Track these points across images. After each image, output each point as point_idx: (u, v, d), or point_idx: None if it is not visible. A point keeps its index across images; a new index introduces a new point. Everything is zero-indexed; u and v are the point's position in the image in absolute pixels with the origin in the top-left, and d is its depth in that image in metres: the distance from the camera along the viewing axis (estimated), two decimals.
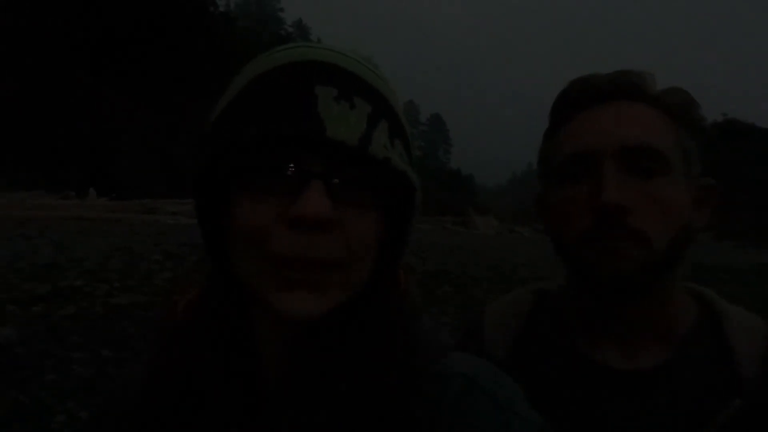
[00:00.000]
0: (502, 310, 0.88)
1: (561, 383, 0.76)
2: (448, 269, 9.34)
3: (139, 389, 0.59)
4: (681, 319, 0.76)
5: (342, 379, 0.52)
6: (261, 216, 0.48)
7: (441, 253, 11.51)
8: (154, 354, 0.61)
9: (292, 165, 0.48)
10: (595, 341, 0.77)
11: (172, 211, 15.21)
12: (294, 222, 0.46)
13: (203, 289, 0.60)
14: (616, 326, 0.76)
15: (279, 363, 0.57)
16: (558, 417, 0.55)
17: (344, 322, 0.55)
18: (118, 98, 24.09)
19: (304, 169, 0.48)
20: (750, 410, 0.67)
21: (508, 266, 10.55)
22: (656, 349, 0.75)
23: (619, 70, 0.76)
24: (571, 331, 0.80)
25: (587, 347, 0.78)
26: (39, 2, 23.07)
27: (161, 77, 26.09)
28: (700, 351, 0.73)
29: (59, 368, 3.58)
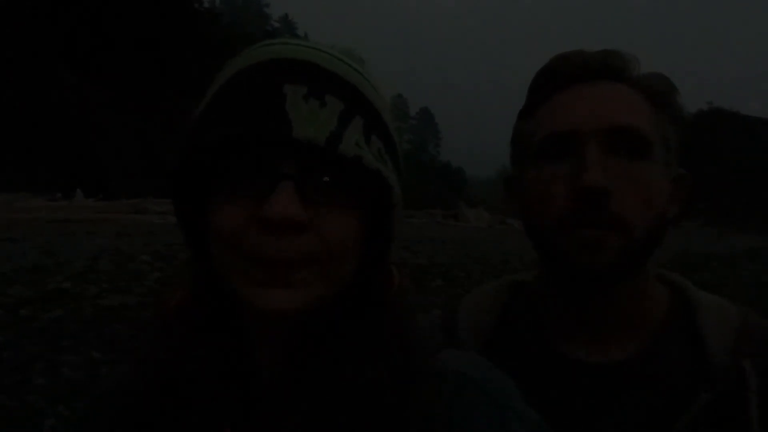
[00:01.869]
0: (475, 305, 0.86)
1: (533, 378, 0.73)
2: (440, 262, 9.37)
3: (127, 388, 0.59)
4: (653, 309, 0.75)
5: (336, 377, 0.52)
6: (234, 217, 0.48)
7: (432, 247, 11.54)
8: (142, 352, 0.60)
9: (262, 166, 0.48)
10: (567, 334, 0.76)
11: (160, 210, 15.09)
12: (263, 223, 0.46)
13: (191, 287, 0.60)
14: (587, 318, 0.74)
15: (272, 361, 0.56)
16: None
17: (336, 320, 0.54)
18: (104, 97, 23.82)
19: (274, 170, 0.47)
20: (719, 403, 0.66)
21: (498, 258, 10.61)
22: (628, 341, 0.73)
23: (605, 50, 0.73)
24: (544, 324, 0.79)
25: (559, 341, 0.77)
26: (21, 1, 22.70)
27: (146, 75, 25.82)
28: (671, 342, 0.72)
29: (48, 372, 3.54)
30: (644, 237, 0.68)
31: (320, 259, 0.49)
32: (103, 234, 9.73)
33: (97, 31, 24.87)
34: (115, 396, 0.61)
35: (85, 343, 4.08)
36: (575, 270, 0.69)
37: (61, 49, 23.54)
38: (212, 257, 0.52)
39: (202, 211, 0.52)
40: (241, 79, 0.50)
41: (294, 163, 0.48)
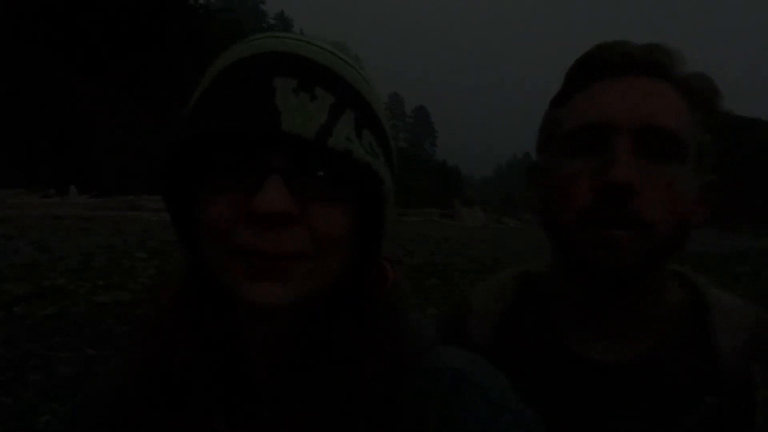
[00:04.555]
0: (484, 297, 0.85)
1: (542, 374, 0.74)
2: (435, 261, 9.38)
3: (119, 386, 0.59)
4: (667, 309, 0.73)
5: (328, 374, 0.52)
6: (224, 211, 0.48)
7: (427, 246, 11.54)
8: (134, 348, 0.60)
9: (251, 160, 0.48)
10: (578, 331, 0.75)
11: (154, 207, 15.04)
12: (252, 218, 0.46)
13: (183, 283, 0.60)
14: (600, 316, 0.73)
15: (266, 358, 0.56)
16: (539, 408, 0.55)
17: (329, 316, 0.54)
18: (98, 94, 23.68)
19: (264, 163, 0.47)
20: (725, 406, 0.65)
21: (494, 257, 10.63)
22: (639, 341, 0.72)
23: (652, 43, 0.69)
24: (555, 319, 0.78)
25: (571, 337, 0.75)
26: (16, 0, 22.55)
27: (141, 72, 25.68)
28: (682, 343, 0.71)
29: (43, 368, 3.53)
30: (666, 240, 0.65)
31: (310, 254, 0.49)
32: (98, 231, 9.69)
33: (93, 28, 24.70)
34: (107, 394, 0.61)
35: (79, 339, 4.07)
36: (593, 269, 0.66)
37: (57, 46, 23.38)
38: (204, 253, 0.52)
39: (194, 205, 0.52)
40: (231, 73, 0.50)
41: (283, 156, 0.47)
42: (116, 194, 17.49)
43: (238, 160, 0.48)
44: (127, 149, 23.42)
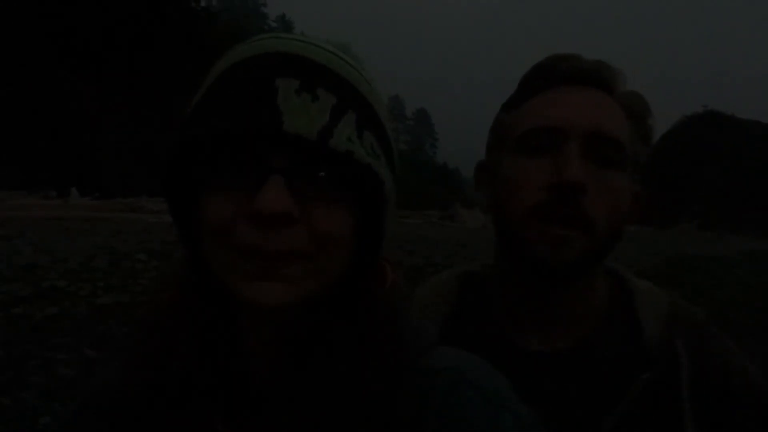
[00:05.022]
0: (429, 296, 0.88)
1: None
2: (435, 262, 9.36)
3: (117, 386, 0.59)
4: (598, 299, 0.78)
5: (328, 374, 0.52)
6: (226, 210, 0.48)
7: (427, 247, 11.52)
8: (133, 348, 0.60)
9: (252, 160, 0.48)
10: (518, 324, 0.79)
11: (155, 209, 15.03)
12: (253, 217, 0.46)
13: (183, 282, 0.60)
14: (539, 309, 0.77)
15: (265, 359, 0.57)
16: None
17: (328, 316, 0.55)
18: (99, 96, 23.71)
19: (265, 163, 0.47)
20: (656, 382, 0.69)
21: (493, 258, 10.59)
22: (574, 330, 0.76)
23: (599, 60, 0.76)
24: (496, 314, 0.81)
25: (510, 330, 0.79)
26: (15, 0, 22.59)
27: (143, 74, 25.70)
28: (613, 328, 0.76)
29: (43, 370, 3.53)
30: (606, 240, 0.71)
31: (310, 254, 0.49)
32: (98, 232, 9.69)
33: (94, 29, 24.73)
34: (105, 394, 0.61)
35: (79, 341, 4.07)
36: (538, 263, 0.71)
37: (58, 48, 23.41)
38: (204, 252, 0.52)
39: (195, 205, 0.52)
40: (233, 73, 0.50)
41: (284, 157, 0.48)
42: (117, 196, 17.50)
43: (240, 160, 0.48)
44: (128, 151, 23.43)
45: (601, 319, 0.77)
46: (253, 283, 0.48)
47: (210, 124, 0.47)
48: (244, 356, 0.57)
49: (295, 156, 0.48)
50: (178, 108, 0.54)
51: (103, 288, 5.58)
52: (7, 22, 21.89)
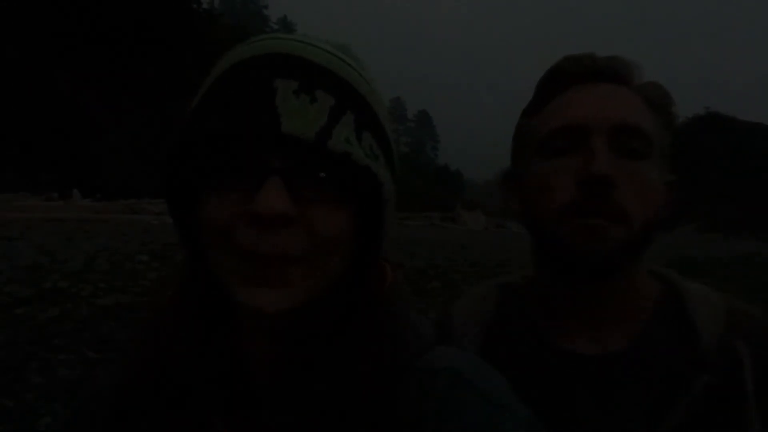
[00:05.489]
0: (469, 306, 0.87)
1: (532, 375, 0.75)
2: (437, 264, 9.36)
3: (118, 386, 0.59)
4: (645, 300, 0.77)
5: (327, 375, 0.52)
6: (225, 212, 0.48)
7: (429, 249, 11.53)
8: (133, 350, 0.60)
9: (251, 161, 0.48)
10: (560, 329, 0.78)
11: (156, 211, 15.05)
12: (251, 218, 0.46)
13: (183, 284, 0.60)
14: (582, 310, 0.76)
15: (265, 359, 0.57)
16: (535, 410, 0.56)
17: (328, 317, 0.55)
18: (101, 98, 23.76)
19: (263, 165, 0.47)
20: (716, 384, 0.68)
21: (495, 261, 10.61)
22: (621, 332, 0.75)
23: (613, 55, 0.76)
24: (539, 321, 0.80)
25: (555, 335, 0.78)
26: (18, 2, 22.63)
27: (144, 76, 25.76)
28: (664, 330, 0.74)
29: (44, 371, 3.53)
30: (642, 231, 0.70)
31: (309, 255, 0.49)
32: (100, 234, 9.70)
33: (95, 31, 24.80)
34: (106, 394, 0.61)
35: (80, 342, 4.07)
36: (576, 258, 0.70)
37: (59, 50, 23.47)
38: (205, 254, 0.52)
39: (195, 206, 0.52)
40: (232, 74, 0.50)
41: (283, 158, 0.47)
42: (118, 198, 17.53)
43: (239, 161, 0.48)
44: (129, 153, 23.48)
45: (651, 320, 0.76)
46: (251, 288, 0.48)
47: (208, 125, 0.47)
48: (244, 356, 0.57)
49: (294, 157, 0.48)
50: (179, 110, 0.54)
51: (104, 289, 5.58)
52: (10, 24, 21.94)
